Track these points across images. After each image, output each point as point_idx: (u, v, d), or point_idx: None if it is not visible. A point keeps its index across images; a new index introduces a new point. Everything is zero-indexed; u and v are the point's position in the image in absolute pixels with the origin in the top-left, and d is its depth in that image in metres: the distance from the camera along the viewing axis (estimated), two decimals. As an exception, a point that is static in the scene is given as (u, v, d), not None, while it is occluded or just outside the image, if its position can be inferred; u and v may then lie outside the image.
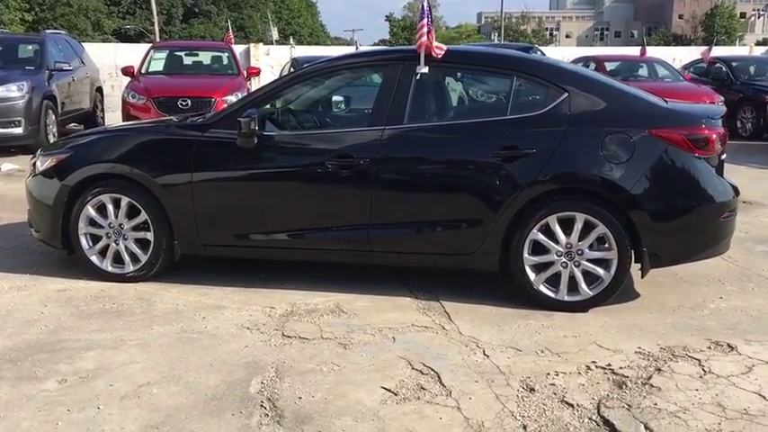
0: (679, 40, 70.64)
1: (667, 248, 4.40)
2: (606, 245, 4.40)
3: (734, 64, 14.96)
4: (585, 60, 14.72)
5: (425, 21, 4.66)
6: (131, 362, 3.78)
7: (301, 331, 4.20)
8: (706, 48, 16.76)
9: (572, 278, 4.47)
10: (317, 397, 3.40)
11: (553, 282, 4.51)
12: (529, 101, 4.63)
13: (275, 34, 39.62)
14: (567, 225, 4.44)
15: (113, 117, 15.65)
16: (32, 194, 5.24)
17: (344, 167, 4.57)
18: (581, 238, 4.41)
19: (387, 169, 4.55)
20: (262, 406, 3.32)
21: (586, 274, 4.45)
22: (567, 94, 4.47)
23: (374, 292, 4.82)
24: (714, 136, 4.38)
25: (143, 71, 12.12)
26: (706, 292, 4.89)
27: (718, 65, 14.96)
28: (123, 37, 49.99)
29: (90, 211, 4.98)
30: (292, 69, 13.73)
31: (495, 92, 4.82)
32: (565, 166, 4.37)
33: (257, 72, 12.62)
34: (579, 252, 4.42)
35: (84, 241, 5.04)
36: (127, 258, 4.99)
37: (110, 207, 4.95)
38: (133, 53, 15.86)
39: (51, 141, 9.52)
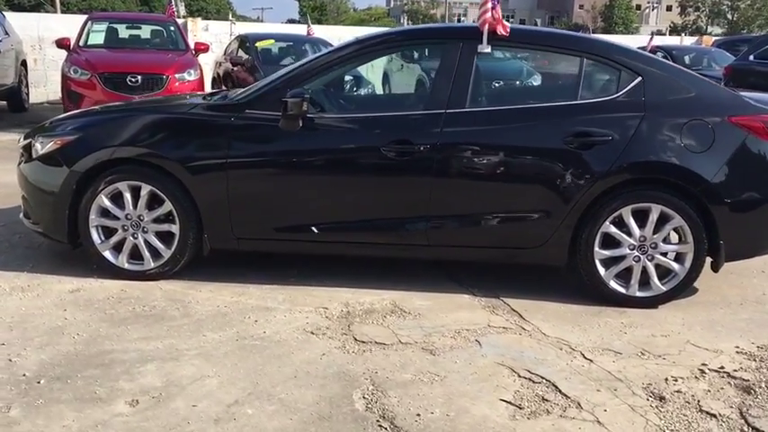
0: (578, 30, 72.62)
1: (743, 241, 4.25)
2: (681, 237, 4.20)
3: (674, 53, 15.30)
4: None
5: (490, -5, 4.31)
6: (203, 376, 3.30)
7: (374, 335, 3.81)
8: (649, 37, 17.09)
9: (643, 273, 4.24)
10: (437, 413, 3.04)
11: (623, 276, 4.29)
12: (599, 84, 4.36)
13: (182, 10, 38.10)
14: (638, 217, 4.21)
15: (37, 93, 14.55)
16: (30, 181, 4.59)
17: (402, 154, 4.19)
18: (655, 231, 4.19)
19: (448, 157, 4.20)
20: (381, 426, 2.94)
21: (659, 268, 4.24)
22: (640, 78, 4.23)
23: (425, 288, 4.48)
24: (791, 125, 4.24)
25: (81, 44, 11.17)
26: (758, 284, 4.79)
27: (659, 53, 15.24)
28: (17, 7, 46.93)
29: (104, 200, 4.40)
30: (238, 46, 13.07)
31: (563, 74, 4.52)
32: (643, 154, 4.13)
33: (206, 48, 11.88)
34: (653, 245, 4.21)
35: (95, 235, 4.45)
36: (147, 254, 4.44)
37: (127, 196, 4.39)
38: (60, 24, 14.70)
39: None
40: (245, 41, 12.64)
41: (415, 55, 4.80)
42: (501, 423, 2.98)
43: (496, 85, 4.56)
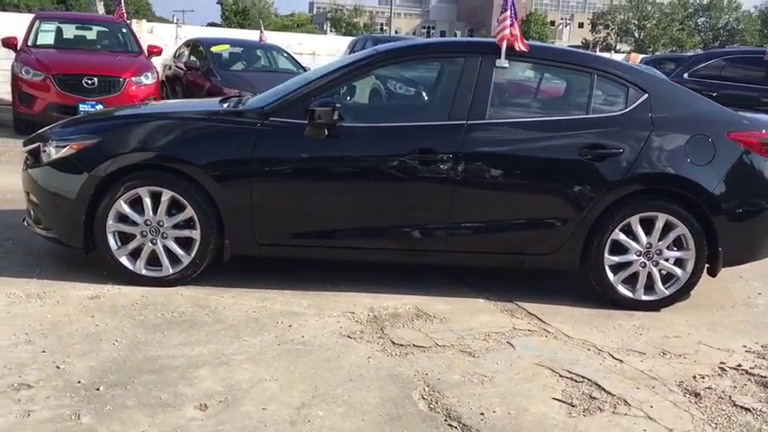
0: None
1: (739, 248, 4.57)
2: (684, 244, 4.48)
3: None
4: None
5: (509, 13, 4.50)
6: (261, 380, 3.35)
7: (410, 338, 3.93)
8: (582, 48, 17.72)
9: (648, 278, 4.51)
10: (499, 412, 3.18)
11: (629, 281, 4.54)
12: (609, 100, 4.61)
13: (101, 9, 37.14)
14: (644, 225, 4.47)
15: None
16: (42, 186, 4.50)
17: (425, 163, 4.33)
18: (660, 238, 4.46)
19: (470, 165, 4.36)
20: (450, 426, 3.06)
21: (663, 273, 4.51)
22: (647, 95, 4.50)
23: (442, 293, 4.62)
24: (781, 141, 4.59)
25: (30, 44, 10.83)
26: (741, 289, 5.13)
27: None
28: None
29: (122, 206, 4.36)
30: (190, 51, 12.92)
31: (576, 89, 4.75)
32: (652, 166, 4.40)
33: (159, 51, 11.69)
34: (658, 252, 4.48)
35: (112, 240, 4.40)
36: (166, 260, 4.42)
37: (147, 201, 4.36)
38: (-1, 22, 14.16)
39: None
40: (197, 46, 12.51)
41: (435, 67, 4.92)
42: (561, 420, 3.15)
43: (515, 97, 4.73)
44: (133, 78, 10.24)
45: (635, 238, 4.46)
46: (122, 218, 4.39)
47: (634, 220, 4.44)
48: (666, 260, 4.50)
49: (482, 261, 4.62)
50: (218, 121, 4.49)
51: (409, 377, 3.47)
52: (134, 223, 4.39)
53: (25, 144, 4.82)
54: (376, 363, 3.61)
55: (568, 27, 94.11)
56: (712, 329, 4.32)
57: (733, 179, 4.47)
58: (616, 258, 4.49)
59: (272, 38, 15.58)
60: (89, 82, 9.89)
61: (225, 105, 4.90)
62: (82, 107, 9.80)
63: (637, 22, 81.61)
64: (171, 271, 4.44)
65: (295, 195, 4.40)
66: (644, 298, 4.54)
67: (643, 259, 4.49)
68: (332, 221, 4.43)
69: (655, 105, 4.49)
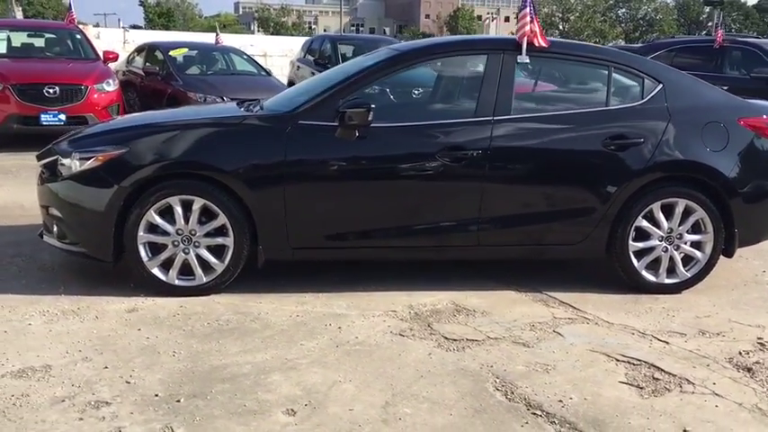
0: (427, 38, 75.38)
1: (753, 229, 4.78)
2: (702, 228, 4.67)
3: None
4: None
5: (528, 10, 4.60)
6: (335, 381, 3.36)
7: (460, 333, 3.99)
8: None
9: (670, 261, 4.68)
10: (575, 398, 3.28)
11: (651, 266, 4.70)
12: (626, 92, 4.75)
13: (19, 14, 35.94)
14: (665, 211, 4.64)
15: None
16: (66, 200, 4.38)
17: (457, 160, 4.39)
18: (680, 223, 4.64)
19: (499, 161, 4.45)
20: (534, 414, 3.14)
21: (684, 256, 4.69)
22: (661, 86, 4.67)
23: (471, 287, 4.69)
24: (785, 125, 4.83)
25: (-19, 53, 10.45)
26: (744, 268, 5.34)
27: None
28: None
29: (153, 216, 4.28)
30: (145, 55, 12.66)
31: (594, 82, 4.87)
32: (672, 154, 4.56)
33: (116, 57, 11.42)
34: (678, 236, 4.65)
35: (143, 252, 4.32)
36: (199, 269, 4.37)
37: (178, 210, 4.30)
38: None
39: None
40: (153, 50, 12.28)
41: (456, 64, 4.98)
42: (637, 402, 3.26)
43: (537, 92, 4.84)
44: (95, 86, 10.00)
45: (656, 224, 4.62)
46: (153, 228, 4.32)
47: (656, 207, 4.59)
48: (687, 244, 4.67)
49: (511, 253, 4.71)
50: (247, 126, 4.46)
51: (476, 370, 3.53)
52: (165, 233, 4.32)
53: (40, 158, 4.69)
54: (438, 358, 3.66)
55: (495, 21, 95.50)
56: (736, 308, 4.51)
57: (746, 163, 4.68)
58: (640, 244, 4.64)
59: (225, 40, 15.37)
60: (50, 91, 9.62)
61: (242, 109, 4.85)
62: (44, 117, 9.56)
63: (561, 15, 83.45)
64: (204, 280, 4.39)
65: (327, 197, 4.40)
66: (667, 281, 4.70)
67: (665, 244, 4.65)
68: (364, 222, 4.46)
69: (669, 95, 4.66)
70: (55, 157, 4.50)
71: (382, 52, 4.92)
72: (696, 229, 4.68)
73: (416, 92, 4.99)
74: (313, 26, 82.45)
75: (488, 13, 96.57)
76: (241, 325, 4.01)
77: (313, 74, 13.52)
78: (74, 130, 5.07)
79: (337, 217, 4.43)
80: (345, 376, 3.43)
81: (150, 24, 66.52)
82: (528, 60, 4.59)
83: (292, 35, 59.74)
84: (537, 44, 4.58)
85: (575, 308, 4.42)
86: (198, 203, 4.29)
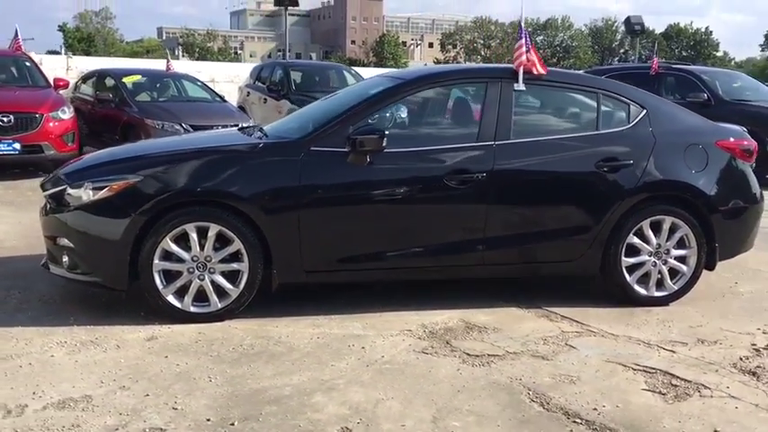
0: (354, 64, 76.08)
1: (729, 244, 5.12)
2: (687, 243, 4.98)
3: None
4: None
5: (523, 41, 4.86)
6: (378, 399, 3.47)
7: (480, 349, 4.15)
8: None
9: (659, 275, 4.97)
10: (608, 406, 3.47)
11: (642, 279, 4.98)
12: (613, 117, 5.04)
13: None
14: (653, 228, 4.93)
15: None
16: (80, 230, 4.37)
17: (463, 183, 4.59)
18: (667, 239, 4.94)
19: (501, 183, 4.66)
20: (575, 422, 3.32)
21: (671, 270, 4.99)
22: (645, 111, 4.99)
23: (475, 305, 4.85)
24: (753, 147, 5.22)
25: (-75, 83, 10.13)
26: (719, 281, 5.61)
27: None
28: None
29: (169, 244, 4.32)
30: (85, 83, 12.48)
31: (585, 108, 5.14)
32: (659, 175, 4.87)
33: (66, 84, 11.23)
34: (666, 251, 4.95)
35: (158, 279, 4.34)
36: (214, 296, 4.41)
37: (194, 237, 4.34)
38: None
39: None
40: (103, 77, 12.13)
41: (459, 92, 5.19)
42: (664, 407, 3.48)
43: (534, 118, 5.08)
44: (50, 114, 9.85)
45: (646, 240, 4.91)
46: (167, 255, 4.34)
47: (645, 225, 4.88)
48: (673, 258, 4.97)
49: (512, 272, 4.91)
50: (262, 153, 4.54)
51: (507, 383, 3.69)
52: (180, 260, 4.35)
53: (44, 188, 4.65)
54: (468, 374, 3.80)
55: (419, 47, 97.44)
56: (723, 317, 4.82)
57: (723, 182, 5.03)
58: (631, 260, 4.91)
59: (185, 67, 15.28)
60: (5, 120, 9.43)
61: (247, 136, 4.94)
62: (-1, 146, 9.34)
63: (483, 41, 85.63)
64: (219, 305, 4.43)
65: (340, 221, 4.52)
66: (656, 294, 4.99)
67: (654, 259, 4.94)
68: (376, 244, 4.59)
69: (653, 120, 4.98)
70: (62, 188, 4.48)
71: (383, 80, 5.09)
72: (681, 244, 4.98)
73: (417, 118, 5.13)
74: (239, 51, 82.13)
75: (413, 39, 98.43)
76: (266, 349, 4.07)
77: (264, 100, 13.62)
78: (75, 160, 5.02)
79: (349, 240, 4.55)
80: (386, 394, 3.53)
81: (71, 49, 64.99)
82: (524, 88, 4.84)
83: (219, 60, 59.42)
84: (536, 72, 4.83)
85: (577, 321, 4.64)
86: (213, 230, 4.34)
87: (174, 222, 4.30)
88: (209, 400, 3.42)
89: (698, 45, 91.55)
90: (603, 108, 4.99)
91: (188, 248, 4.35)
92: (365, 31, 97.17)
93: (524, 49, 4.83)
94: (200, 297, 4.44)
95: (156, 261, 4.31)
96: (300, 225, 4.42)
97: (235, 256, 4.42)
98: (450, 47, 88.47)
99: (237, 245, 4.38)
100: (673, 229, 4.94)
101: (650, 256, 4.94)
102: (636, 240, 4.90)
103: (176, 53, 71.77)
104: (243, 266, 4.41)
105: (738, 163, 5.12)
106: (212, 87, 13.88)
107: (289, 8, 24.64)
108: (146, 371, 3.73)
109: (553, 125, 5.16)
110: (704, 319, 4.76)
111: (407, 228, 4.61)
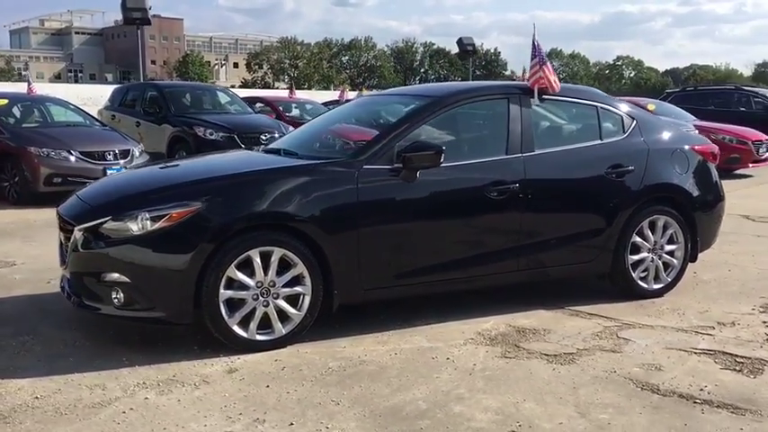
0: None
1: (705, 237, 5.74)
2: (675, 239, 5.54)
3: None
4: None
5: (537, 60, 5.18)
6: (513, 402, 3.60)
7: (552, 350, 4.36)
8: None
9: (656, 269, 5.49)
10: (709, 386, 3.81)
11: (641, 274, 5.47)
12: (611, 127, 5.49)
13: None
14: (649, 227, 5.44)
15: None
16: (140, 264, 4.08)
17: (500, 193, 4.82)
18: (661, 236, 5.47)
19: (533, 192, 4.93)
20: (695, 403, 3.62)
21: (664, 264, 5.52)
22: (635, 121, 5.51)
23: (509, 311, 5.05)
24: (717, 151, 5.91)
25: None
26: (702, 270, 6.17)
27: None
28: None
29: (234, 271, 4.17)
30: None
31: (587, 120, 5.53)
32: (655, 178, 5.38)
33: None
34: (660, 247, 5.48)
35: (223, 309, 4.18)
36: (278, 322, 4.31)
37: (257, 262, 4.22)
38: None
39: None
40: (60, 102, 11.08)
41: (482, 106, 5.39)
42: (749, 381, 3.89)
43: (550, 130, 5.41)
44: None
45: (645, 238, 5.40)
46: (231, 284, 4.18)
47: (645, 224, 5.37)
48: (666, 253, 5.50)
49: (545, 275, 5.20)
50: (318, 173, 4.49)
51: (605, 376, 3.95)
52: (244, 287, 4.20)
53: (79, 221, 4.29)
54: (566, 372, 4.02)
55: (224, 67, 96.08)
56: (713, 302, 5.39)
57: (701, 182, 5.65)
58: (635, 257, 5.38)
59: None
60: None
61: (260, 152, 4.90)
62: None
63: (289, 61, 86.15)
64: (284, 332, 4.32)
65: (396, 237, 4.58)
66: (654, 287, 5.49)
67: (652, 255, 5.44)
68: (430, 258, 4.69)
69: (643, 129, 5.50)
70: (102, 220, 4.17)
71: (413, 97, 5.25)
72: (671, 240, 5.52)
73: (455, 133, 5.28)
74: (24, 72, 76.40)
75: (217, 59, 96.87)
76: (358, 369, 4.04)
77: (138, 123, 13.00)
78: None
79: (405, 255, 4.62)
80: (514, 397, 3.66)
81: None
82: (539, 103, 5.17)
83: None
84: (552, 90, 5.17)
85: (607, 317, 5.01)
86: (277, 254, 4.24)
87: (240, 249, 4.15)
88: (357, 422, 3.37)
89: (489, 65, 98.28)
90: (603, 119, 5.42)
91: (252, 275, 4.20)
92: (165, 50, 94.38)
93: (538, 67, 5.15)
94: (264, 324, 4.30)
95: (221, 290, 4.12)
96: (359, 243, 4.42)
97: (296, 280, 4.33)
98: (256, 66, 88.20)
99: (300, 268, 4.30)
100: (665, 227, 5.46)
101: (649, 252, 5.42)
102: (638, 239, 5.36)
103: None
104: (305, 289, 4.34)
105: (709, 165, 5.77)
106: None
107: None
108: (263, 402, 3.59)
109: (564, 136, 5.52)
110: (703, 306, 5.30)
111: (457, 239, 4.78)
